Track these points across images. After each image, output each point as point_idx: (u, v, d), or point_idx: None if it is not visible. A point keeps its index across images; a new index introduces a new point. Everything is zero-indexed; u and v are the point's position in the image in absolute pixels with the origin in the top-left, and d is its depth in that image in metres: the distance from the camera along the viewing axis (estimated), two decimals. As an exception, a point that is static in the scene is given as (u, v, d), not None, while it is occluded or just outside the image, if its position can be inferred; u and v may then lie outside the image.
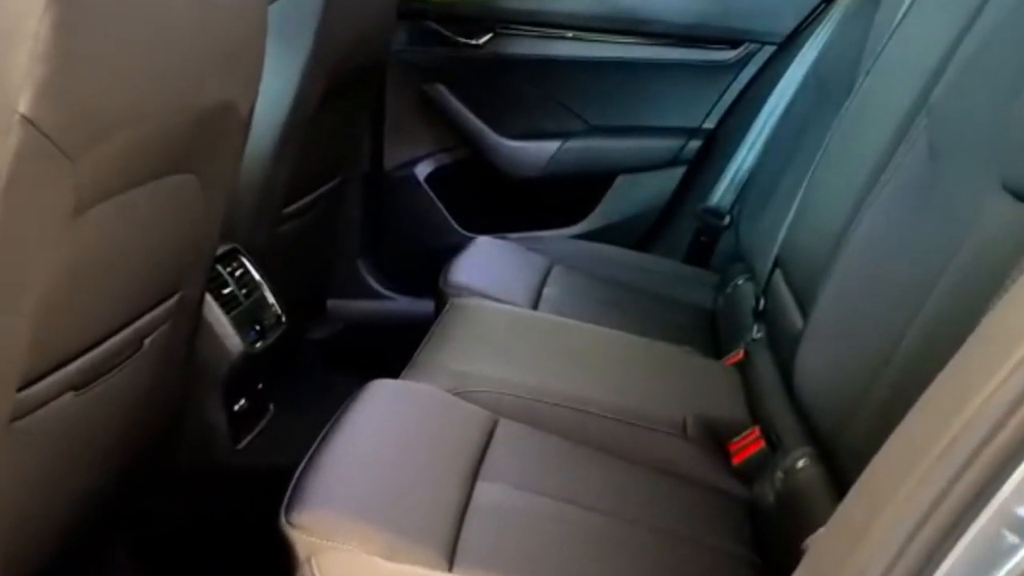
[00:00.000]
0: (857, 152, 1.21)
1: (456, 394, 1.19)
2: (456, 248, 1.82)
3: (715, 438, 1.23)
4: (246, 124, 1.09)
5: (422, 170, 2.05)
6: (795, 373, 1.15)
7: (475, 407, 1.17)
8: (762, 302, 1.44)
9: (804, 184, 1.42)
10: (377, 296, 2.12)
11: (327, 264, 2.05)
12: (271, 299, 1.45)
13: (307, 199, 1.67)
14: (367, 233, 2.09)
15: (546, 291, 1.68)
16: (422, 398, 1.16)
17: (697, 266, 1.97)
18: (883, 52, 1.32)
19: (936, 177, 0.99)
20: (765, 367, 1.36)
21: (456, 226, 2.06)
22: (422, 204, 2.05)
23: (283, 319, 1.45)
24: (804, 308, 1.23)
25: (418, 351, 1.33)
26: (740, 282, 1.79)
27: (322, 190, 1.74)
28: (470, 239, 2.03)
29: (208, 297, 1.29)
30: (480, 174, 2.05)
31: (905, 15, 1.30)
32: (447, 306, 1.51)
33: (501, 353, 1.32)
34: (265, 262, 1.51)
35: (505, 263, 1.75)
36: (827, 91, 1.70)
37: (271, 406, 1.50)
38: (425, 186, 2.05)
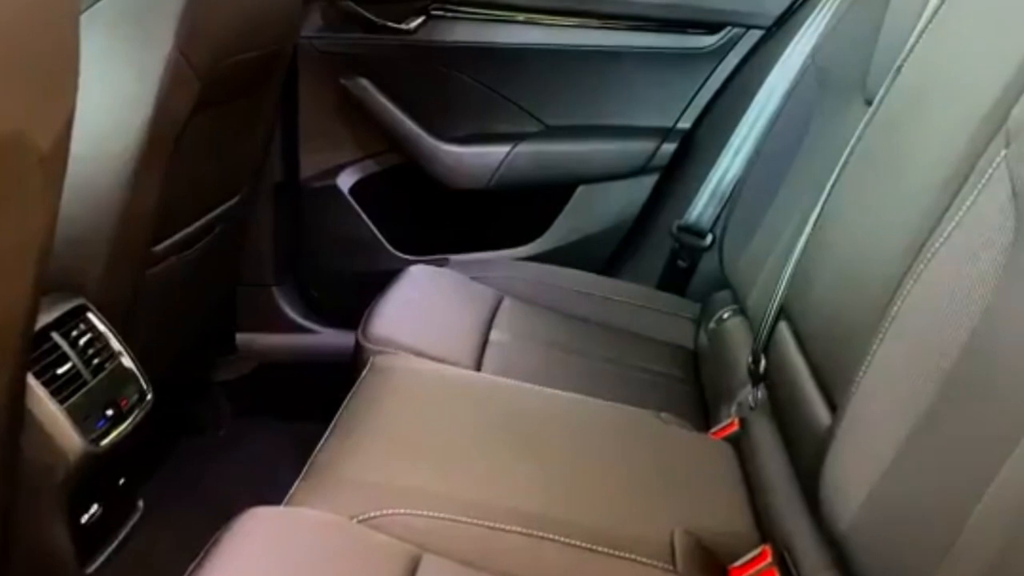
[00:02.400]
0: (901, 181, 0.90)
1: (363, 521, 0.87)
2: (388, 273, 1.51)
3: (712, 562, 0.93)
4: (51, 159, 0.77)
5: (345, 180, 1.72)
6: (822, 485, 0.85)
7: (389, 539, 0.86)
8: (762, 362, 1.14)
9: (816, 211, 1.11)
10: (296, 329, 1.79)
11: (230, 296, 1.72)
12: (132, 367, 1.11)
13: (193, 227, 1.34)
14: (282, 256, 1.75)
15: (493, 336, 1.37)
16: (315, 530, 0.84)
17: (674, 293, 1.66)
18: (921, 44, 1.01)
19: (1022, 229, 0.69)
20: (770, 455, 1.06)
21: (388, 246, 1.74)
22: (346, 220, 1.72)
23: (148, 394, 1.12)
24: (826, 388, 0.92)
25: (319, 447, 1.02)
26: (726, 315, 1.50)
27: (215, 213, 1.41)
28: (404, 262, 1.73)
29: (33, 383, 0.96)
30: (415, 185, 1.72)
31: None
32: (367, 367, 1.19)
33: (429, 448, 1.01)
34: (131, 316, 1.18)
35: (443, 301, 1.43)
36: (833, 86, 1.39)
37: (139, 503, 1.17)
38: (349, 199, 1.71)
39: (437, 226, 1.77)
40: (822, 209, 1.10)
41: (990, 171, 0.75)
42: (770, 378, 1.13)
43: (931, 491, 0.70)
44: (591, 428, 1.13)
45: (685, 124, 1.69)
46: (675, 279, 1.67)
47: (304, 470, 0.97)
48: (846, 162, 1.08)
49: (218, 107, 1.26)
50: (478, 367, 1.27)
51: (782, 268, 1.20)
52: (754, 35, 1.64)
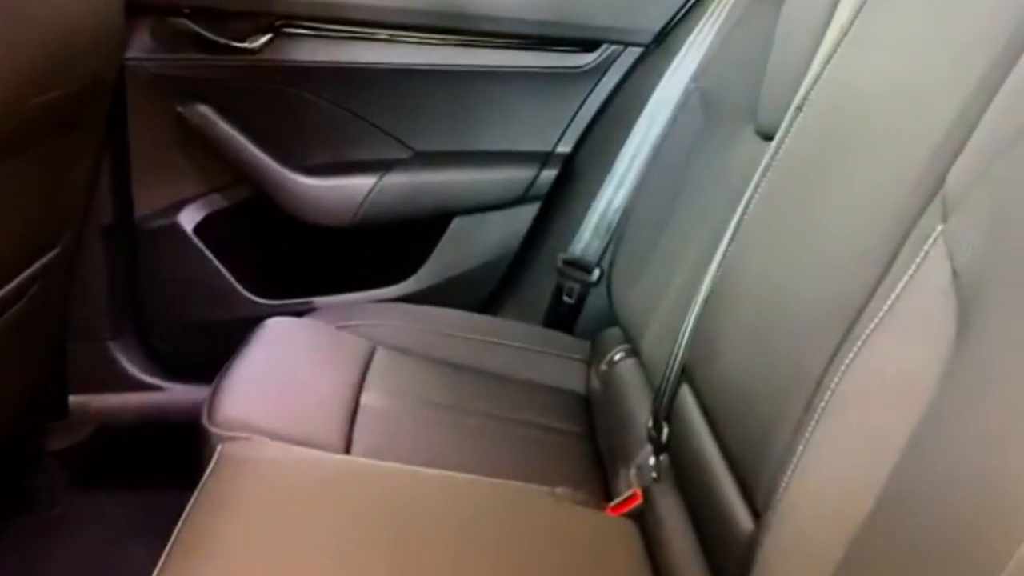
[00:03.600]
0: (816, 242, 0.80)
1: None
2: (243, 321, 1.33)
3: None
4: None
5: (189, 218, 1.51)
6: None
7: None
8: (664, 430, 1.03)
9: (716, 258, 1.00)
10: (139, 387, 1.58)
11: (60, 354, 1.50)
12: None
13: (4, 291, 1.13)
14: (118, 306, 1.54)
15: (365, 400, 1.21)
16: None
17: (561, 330, 1.54)
18: (825, 80, 0.91)
19: (982, 321, 0.59)
20: (678, 538, 0.94)
21: (241, 290, 1.55)
22: (191, 263, 1.52)
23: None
24: (744, 484, 0.81)
25: (157, 569, 0.84)
26: (617, 357, 1.39)
27: (31, 271, 1.20)
28: (260, 308, 1.55)
29: None
30: (269, 221, 1.54)
31: (857, 25, 0.90)
32: (214, 458, 1.02)
33: (285, 564, 0.85)
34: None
35: (306, 362, 1.26)
36: (719, 113, 1.29)
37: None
38: (194, 239, 1.51)
39: (297, 267, 1.59)
40: (723, 256, 1.00)
41: (926, 247, 0.65)
42: (674, 450, 1.01)
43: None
44: (477, 516, 0.98)
45: (565, 148, 1.56)
46: (562, 316, 1.55)
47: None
48: (747, 205, 0.98)
49: (22, 155, 1.05)
50: (348, 444, 1.11)
51: (678, 315, 1.09)
52: (633, 53, 1.53)
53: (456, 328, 1.46)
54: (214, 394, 1.12)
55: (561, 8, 1.49)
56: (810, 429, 0.69)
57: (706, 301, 0.99)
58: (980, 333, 0.59)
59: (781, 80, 1.09)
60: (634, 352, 1.34)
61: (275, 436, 1.06)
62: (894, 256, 0.67)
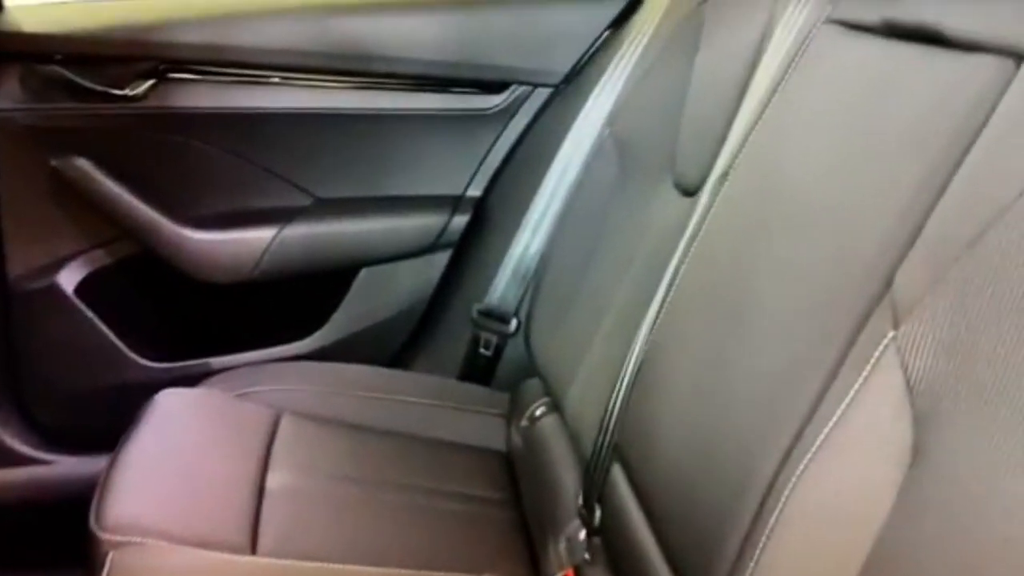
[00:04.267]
0: (755, 333, 0.75)
1: None
2: (133, 386, 1.22)
3: None
4: None
5: (69, 277, 1.39)
6: None
7: None
8: (596, 512, 0.97)
9: (645, 326, 0.95)
10: (20, 461, 1.44)
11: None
12: None
13: None
14: (-6, 376, 1.40)
15: (271, 482, 1.12)
16: None
17: (478, 383, 1.47)
18: (751, 147, 0.87)
19: (940, 437, 0.55)
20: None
21: (129, 353, 1.43)
22: (73, 325, 1.39)
23: None
24: None
25: None
26: (539, 412, 1.33)
27: None
28: (152, 372, 1.43)
29: None
30: (159, 278, 1.42)
31: (782, 96, 0.86)
32: (105, 570, 0.92)
33: None
34: None
35: (203, 443, 1.16)
36: (635, 162, 1.25)
37: None
38: (75, 300, 1.39)
39: (191, 326, 1.48)
40: (652, 327, 0.95)
41: (876, 354, 0.61)
42: (607, 533, 0.96)
43: None
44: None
45: (475, 192, 1.50)
46: (478, 368, 1.48)
47: None
48: (676, 274, 0.93)
49: None
50: (254, 539, 1.02)
51: (605, 379, 1.04)
52: (543, 93, 1.47)
53: (367, 386, 1.38)
54: (101, 493, 1.01)
55: (466, 49, 1.43)
56: (761, 544, 0.65)
57: (636, 374, 0.94)
58: (938, 450, 0.55)
59: (700, 138, 1.05)
60: (556, 407, 1.29)
61: (172, 538, 0.96)
62: (841, 360, 0.63)
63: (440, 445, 1.32)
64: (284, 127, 1.41)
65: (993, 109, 0.59)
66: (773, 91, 0.88)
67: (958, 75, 0.63)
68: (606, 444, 0.96)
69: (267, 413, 1.26)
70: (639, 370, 0.94)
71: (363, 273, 1.48)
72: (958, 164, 0.60)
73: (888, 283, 0.62)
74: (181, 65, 1.33)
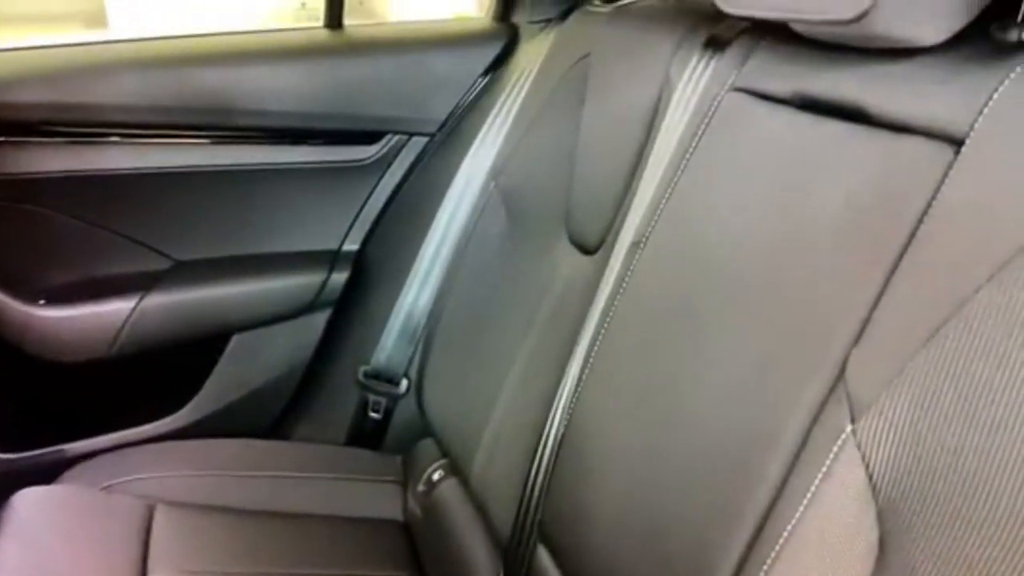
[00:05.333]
0: (702, 407, 0.73)
1: None
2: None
3: None
4: None
5: None
6: None
7: None
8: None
9: (562, 397, 0.92)
10: None
11: None
12: None
13: None
14: None
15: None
16: None
17: (367, 447, 1.40)
18: (666, 217, 0.86)
19: (904, 534, 0.55)
20: None
21: (-26, 446, 1.27)
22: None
23: None
24: None
25: None
26: (436, 476, 1.28)
27: None
28: (2, 465, 1.28)
29: None
30: (4, 359, 1.27)
31: (694, 168, 0.85)
32: None
33: None
34: None
35: (69, 550, 1.03)
36: (524, 218, 1.22)
37: None
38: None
39: (43, 410, 1.33)
40: (572, 399, 0.91)
41: (835, 449, 0.60)
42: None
43: None
44: None
45: (352, 245, 1.43)
46: (367, 432, 1.41)
47: None
48: (594, 339, 0.90)
49: None
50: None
51: (514, 447, 1.01)
52: (419, 142, 1.42)
53: (246, 464, 1.28)
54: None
55: (337, 99, 1.36)
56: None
57: (558, 449, 0.91)
58: (903, 545, 0.55)
59: (596, 197, 1.04)
60: (454, 469, 1.24)
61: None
62: (798, 453, 0.62)
63: (332, 521, 1.24)
64: (138, 188, 1.29)
65: (935, 196, 0.59)
66: (682, 156, 0.86)
67: (889, 157, 0.64)
68: (529, 523, 0.93)
69: (139, 506, 1.14)
70: (560, 445, 0.91)
71: (234, 339, 1.38)
72: (902, 253, 0.60)
73: (840, 372, 0.61)
74: (20, 127, 1.19)
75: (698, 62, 0.92)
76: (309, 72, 1.35)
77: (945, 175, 0.59)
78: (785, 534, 0.61)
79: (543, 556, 0.90)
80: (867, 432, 0.58)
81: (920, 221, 0.60)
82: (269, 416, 1.42)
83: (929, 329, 0.56)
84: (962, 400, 0.53)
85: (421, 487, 1.28)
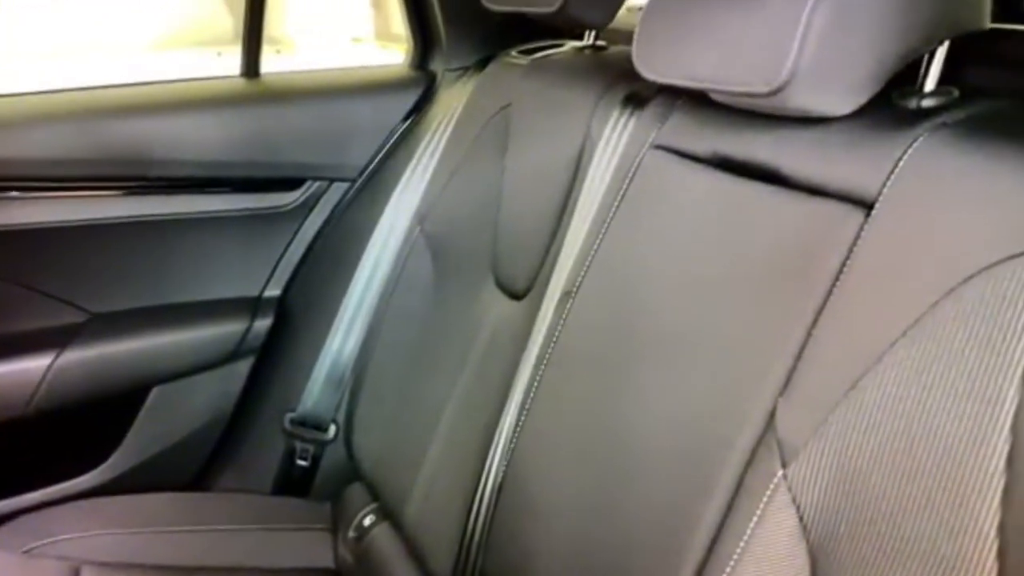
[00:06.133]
0: (630, 459, 0.76)
1: None
2: None
3: None
4: None
5: None
6: None
7: None
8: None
9: (498, 445, 0.95)
10: None
11: None
12: None
13: None
14: None
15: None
16: None
17: (294, 495, 1.39)
18: (597, 268, 0.89)
19: (834, 571, 0.59)
20: None
21: None
22: None
23: None
24: None
25: None
26: (367, 522, 1.28)
27: None
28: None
29: None
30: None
31: (623, 218, 0.89)
32: None
33: None
34: None
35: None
36: (451, 262, 1.25)
37: None
38: None
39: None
40: (510, 448, 0.94)
41: (768, 493, 0.64)
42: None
43: None
44: None
45: (275, 291, 1.42)
46: (294, 480, 1.40)
47: None
48: (529, 387, 0.93)
49: None
50: None
51: (451, 493, 1.03)
52: (340, 188, 1.43)
53: (171, 519, 1.25)
54: None
55: (255, 147, 1.36)
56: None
57: (498, 495, 0.93)
58: (834, 579, 0.60)
59: (523, 245, 1.07)
60: (386, 513, 1.25)
61: None
62: (732, 499, 0.66)
63: (262, 573, 1.23)
64: (52, 241, 1.26)
65: (848, 256, 0.64)
66: (608, 209, 0.91)
67: (805, 217, 0.69)
68: (471, 567, 0.94)
69: (63, 568, 1.11)
70: (500, 488, 0.93)
71: (155, 391, 1.35)
72: (821, 308, 0.65)
73: (770, 419, 0.66)
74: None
75: (619, 118, 0.96)
76: (227, 121, 1.35)
77: (858, 236, 0.64)
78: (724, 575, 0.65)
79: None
80: (797, 477, 0.63)
81: (837, 279, 0.65)
82: (193, 467, 1.39)
83: (850, 381, 0.61)
84: (882, 448, 0.59)
85: (352, 533, 1.28)
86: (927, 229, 0.61)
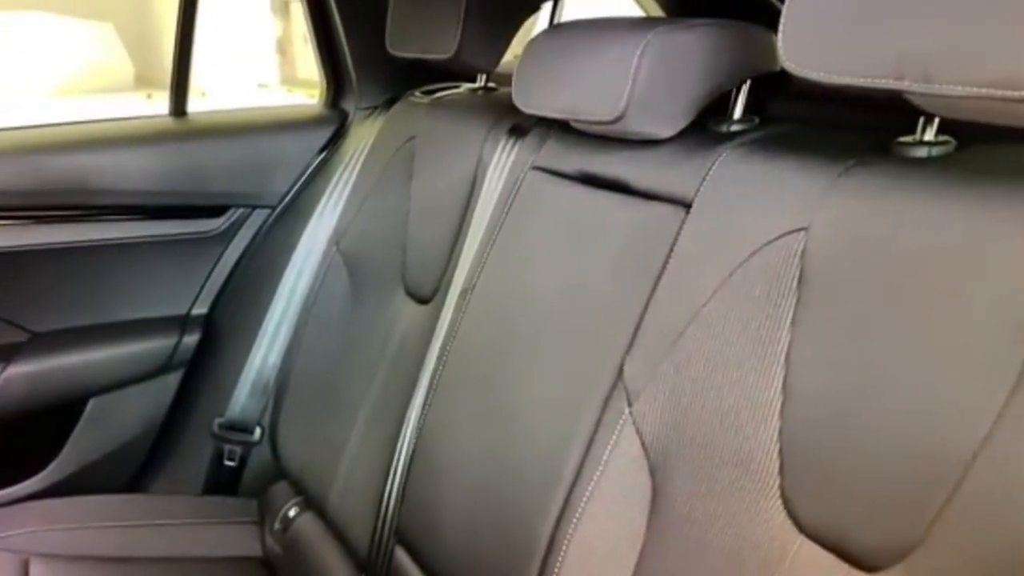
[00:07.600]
0: (517, 419, 0.94)
1: None
2: None
3: None
4: None
5: None
6: None
7: None
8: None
9: (408, 427, 1.11)
10: None
11: None
12: None
13: None
14: None
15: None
16: None
17: (224, 494, 1.52)
18: (488, 270, 1.08)
19: (671, 483, 0.78)
20: None
21: None
22: None
23: None
24: None
25: None
26: (292, 513, 1.41)
27: None
28: None
29: None
30: None
31: (509, 227, 1.08)
32: None
33: None
34: None
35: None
36: (366, 276, 1.41)
37: None
38: None
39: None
40: (418, 428, 1.11)
41: (618, 427, 0.83)
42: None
43: None
44: None
45: (202, 309, 1.56)
46: (223, 480, 1.53)
47: None
48: (433, 381, 1.10)
49: None
50: None
51: (370, 475, 1.18)
52: (262, 214, 1.58)
53: (111, 516, 1.37)
54: None
55: (181, 178, 1.50)
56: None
57: (410, 465, 1.09)
58: (670, 493, 0.78)
59: (428, 256, 1.25)
60: (310, 504, 1.38)
61: None
62: (593, 435, 0.85)
63: (196, 562, 1.35)
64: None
65: (675, 242, 0.84)
66: (497, 220, 1.09)
67: (644, 218, 0.89)
68: (386, 531, 1.10)
69: (13, 560, 1.22)
70: (411, 460, 1.10)
71: (92, 403, 1.47)
72: (655, 287, 0.85)
73: (619, 374, 0.85)
74: None
75: (505, 145, 1.16)
76: (157, 155, 1.49)
77: (681, 228, 0.85)
78: (587, 495, 0.83)
79: (401, 556, 1.08)
80: (639, 412, 0.81)
81: (667, 260, 0.85)
82: (129, 471, 1.51)
83: (675, 335, 0.80)
84: (696, 382, 0.78)
85: (278, 524, 1.41)
86: (727, 219, 0.81)
